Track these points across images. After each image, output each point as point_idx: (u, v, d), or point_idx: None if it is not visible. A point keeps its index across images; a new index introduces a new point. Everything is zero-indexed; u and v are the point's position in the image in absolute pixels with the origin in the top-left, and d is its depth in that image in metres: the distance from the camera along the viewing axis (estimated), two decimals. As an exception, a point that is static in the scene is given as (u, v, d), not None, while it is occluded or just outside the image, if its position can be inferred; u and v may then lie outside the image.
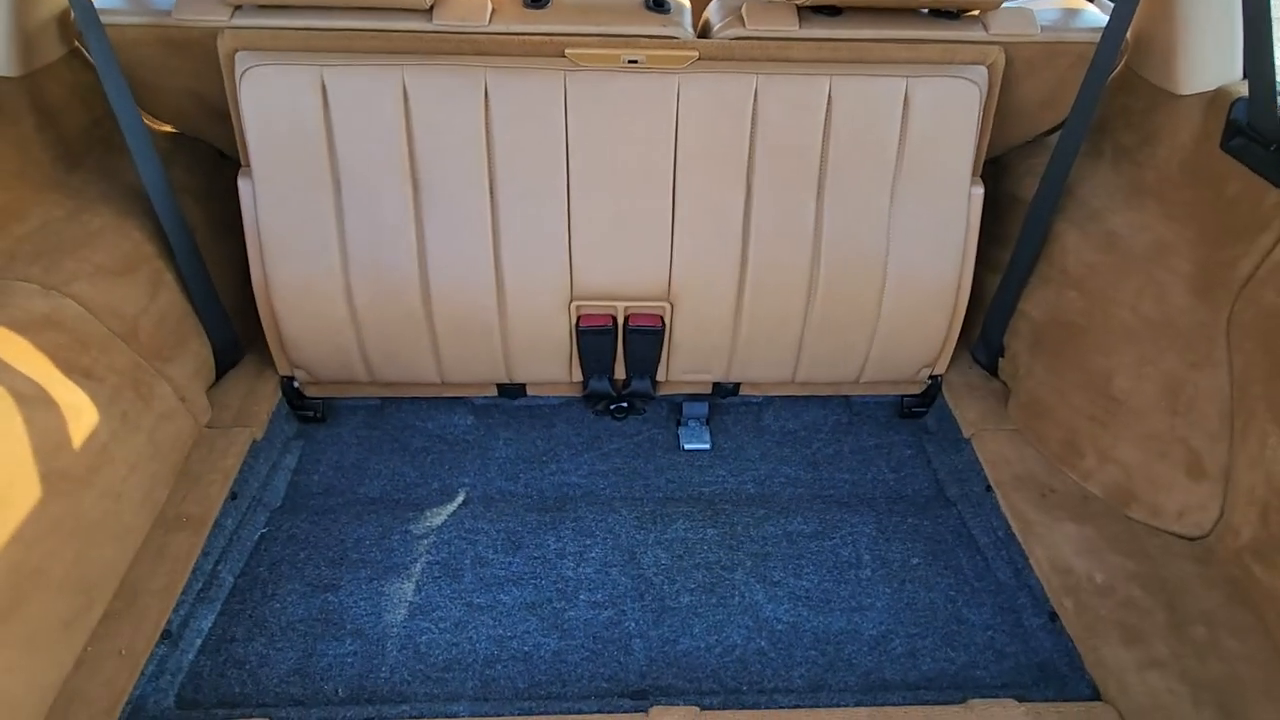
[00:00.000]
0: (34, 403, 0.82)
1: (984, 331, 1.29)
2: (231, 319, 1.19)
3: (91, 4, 0.94)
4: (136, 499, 0.94)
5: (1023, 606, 1.00)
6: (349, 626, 0.93)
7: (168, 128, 1.22)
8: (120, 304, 1.01)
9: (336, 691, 0.87)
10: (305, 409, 1.24)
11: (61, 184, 1.05)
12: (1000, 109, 1.12)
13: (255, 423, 1.15)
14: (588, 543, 1.06)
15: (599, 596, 0.99)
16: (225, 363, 1.21)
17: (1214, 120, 1.03)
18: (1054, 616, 0.96)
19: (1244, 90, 1.00)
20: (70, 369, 0.89)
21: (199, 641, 0.91)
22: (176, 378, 1.07)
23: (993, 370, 1.29)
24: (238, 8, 1.02)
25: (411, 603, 0.97)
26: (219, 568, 0.98)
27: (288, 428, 1.23)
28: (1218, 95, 1.03)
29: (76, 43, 1.10)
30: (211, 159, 1.28)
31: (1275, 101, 0.95)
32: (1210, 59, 1.04)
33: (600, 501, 1.14)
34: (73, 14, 1.03)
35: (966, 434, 1.20)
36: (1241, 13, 0.98)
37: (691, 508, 1.13)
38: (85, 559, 0.85)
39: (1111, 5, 1.02)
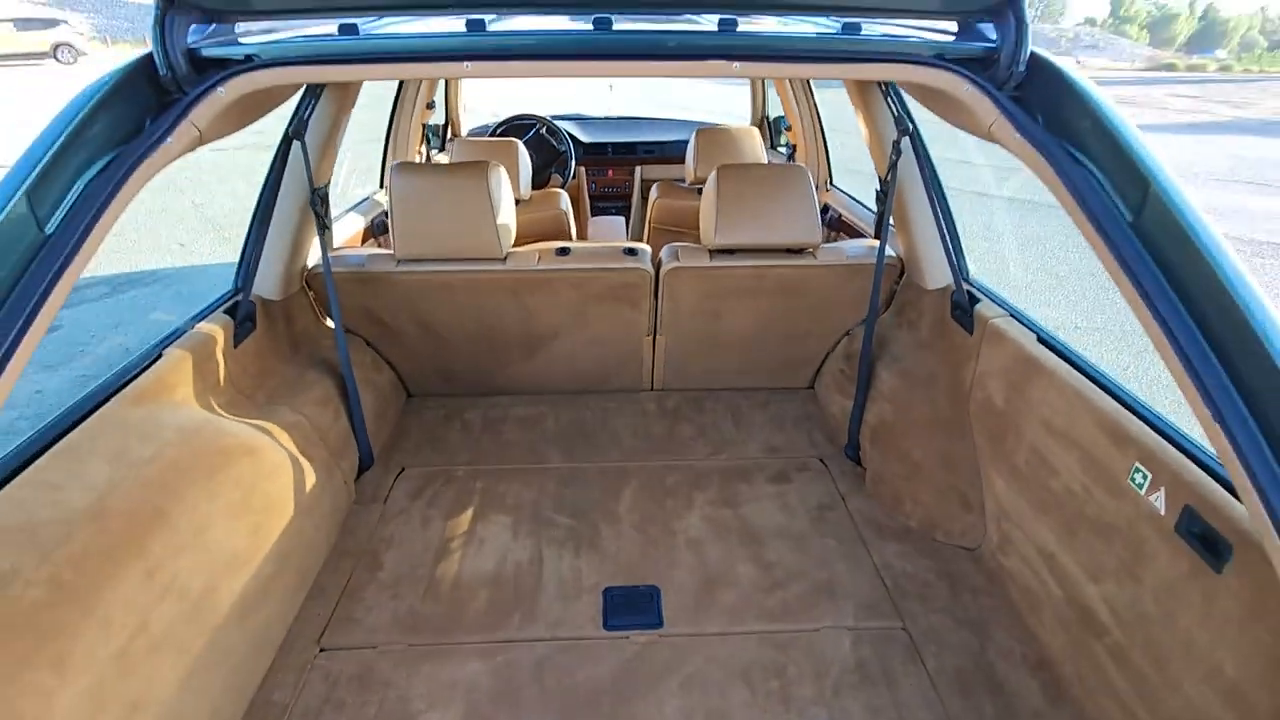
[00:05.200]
0: (289, 465, 1.52)
1: (849, 436, 1.97)
2: (370, 438, 1.91)
3: (328, 263, 1.79)
4: (328, 526, 1.61)
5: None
6: None
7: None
8: (322, 422, 1.74)
9: None
10: None
11: (292, 358, 1.84)
12: (835, 305, 1.93)
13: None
14: None
15: None
16: (365, 465, 1.91)
17: (944, 302, 1.81)
18: (885, 585, 1.53)
19: (954, 284, 1.79)
20: (302, 451, 1.60)
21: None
22: (345, 469, 1.77)
23: (857, 460, 1.95)
24: (399, 261, 1.88)
25: None
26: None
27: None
28: (945, 289, 1.82)
29: (305, 283, 1.96)
30: (370, 352, 2.10)
31: (964, 290, 1.73)
32: (938, 271, 1.85)
33: None
34: (308, 266, 1.91)
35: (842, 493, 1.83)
36: (944, 248, 1.80)
37: None
38: (309, 553, 1.49)
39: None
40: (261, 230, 1.70)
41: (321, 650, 1.38)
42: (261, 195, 1.70)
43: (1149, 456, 1.10)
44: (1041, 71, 1.05)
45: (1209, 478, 1.00)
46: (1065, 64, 1.02)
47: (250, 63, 1.07)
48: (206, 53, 1.08)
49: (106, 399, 1.21)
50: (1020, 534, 1.46)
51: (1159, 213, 0.88)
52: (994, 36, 1.08)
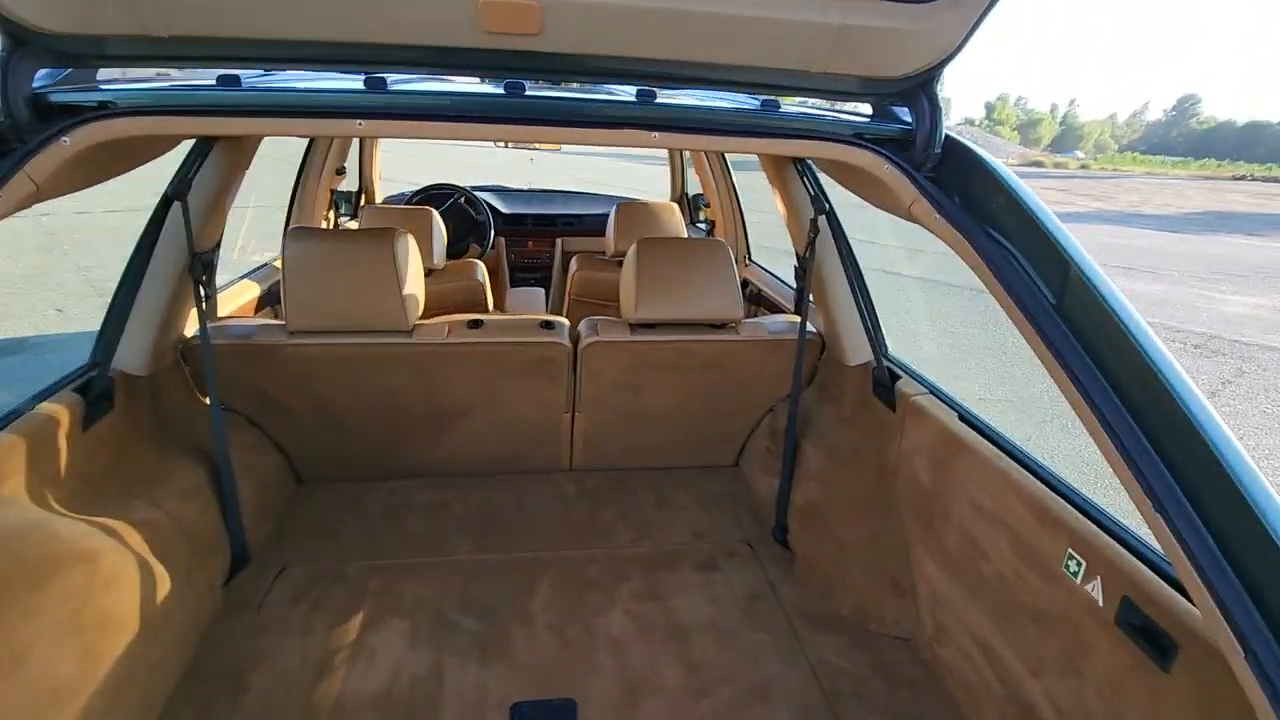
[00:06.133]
0: (136, 571, 1.29)
1: (776, 518, 1.89)
2: (246, 533, 1.68)
3: (207, 335, 1.60)
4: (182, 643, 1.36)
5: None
6: None
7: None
8: (186, 516, 1.51)
9: None
10: None
11: (157, 442, 1.61)
12: (757, 380, 1.89)
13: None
14: None
15: None
16: (238, 565, 1.66)
17: (866, 378, 1.80)
18: (820, 684, 1.42)
19: (874, 361, 1.78)
20: (156, 552, 1.37)
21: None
22: (211, 571, 1.53)
23: (785, 544, 1.87)
24: (292, 332, 1.71)
25: None
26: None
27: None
28: (866, 365, 1.82)
29: (180, 356, 1.75)
30: (255, 433, 1.88)
31: (884, 366, 1.72)
32: (858, 347, 1.85)
33: None
34: (185, 337, 1.71)
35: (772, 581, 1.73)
36: (863, 325, 1.80)
37: None
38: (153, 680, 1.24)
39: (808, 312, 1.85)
40: (129, 297, 1.51)
41: None
42: (132, 260, 1.52)
43: (1081, 543, 1.07)
44: (956, 153, 1.05)
45: (1147, 569, 0.97)
46: (978, 147, 1.03)
47: (103, 110, 0.94)
48: (55, 98, 0.94)
49: None
50: (955, 622, 1.40)
51: (1081, 295, 0.87)
52: (909, 118, 1.09)
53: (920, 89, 1.05)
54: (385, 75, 1.03)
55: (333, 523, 1.87)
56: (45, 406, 1.30)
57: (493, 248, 3.49)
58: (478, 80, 1.12)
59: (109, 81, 1.07)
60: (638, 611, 1.60)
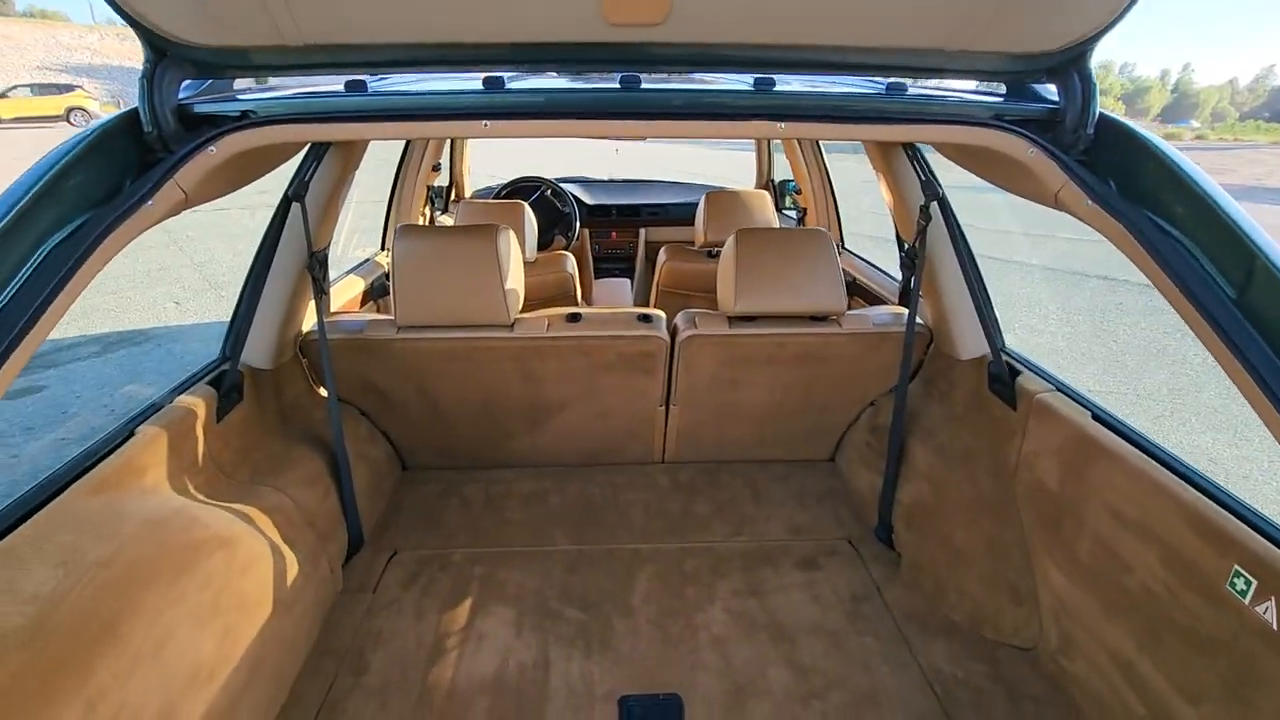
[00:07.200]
0: (269, 555, 1.37)
1: (879, 517, 1.82)
2: (361, 518, 1.76)
3: (324, 330, 1.67)
4: (309, 622, 1.43)
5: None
6: None
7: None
8: (309, 502, 1.59)
9: None
10: None
11: (281, 431, 1.71)
12: (857, 374, 1.82)
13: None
14: None
15: None
16: (355, 547, 1.74)
17: (980, 374, 1.69)
18: (935, 693, 1.36)
19: (990, 355, 1.68)
20: (285, 537, 1.45)
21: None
22: (332, 554, 1.61)
23: (890, 544, 1.79)
24: (400, 327, 1.77)
25: None
26: None
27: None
28: (980, 359, 1.71)
29: (299, 350, 1.84)
30: (365, 423, 1.97)
31: (1003, 361, 1.62)
32: (971, 341, 1.74)
33: None
34: (302, 332, 1.80)
35: (877, 582, 1.67)
36: (977, 315, 1.69)
37: None
38: (283, 660, 1.32)
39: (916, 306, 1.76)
40: (254, 295, 1.59)
41: None
42: (256, 258, 1.60)
43: (1253, 560, 0.96)
44: (1111, 133, 0.96)
45: None
46: (1138, 126, 0.94)
47: (245, 120, 0.98)
48: (199, 109, 0.99)
49: (62, 489, 1.06)
50: (1087, 636, 1.30)
51: (1271, 289, 0.77)
52: (1053, 96, 1.00)
53: (1070, 64, 0.96)
54: (502, 74, 1.03)
55: (437, 510, 1.93)
56: (184, 399, 1.39)
57: (577, 239, 3.51)
58: (590, 76, 1.11)
59: (244, 91, 1.12)
60: (739, 609, 1.58)
